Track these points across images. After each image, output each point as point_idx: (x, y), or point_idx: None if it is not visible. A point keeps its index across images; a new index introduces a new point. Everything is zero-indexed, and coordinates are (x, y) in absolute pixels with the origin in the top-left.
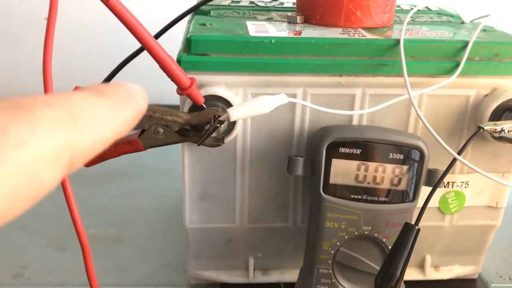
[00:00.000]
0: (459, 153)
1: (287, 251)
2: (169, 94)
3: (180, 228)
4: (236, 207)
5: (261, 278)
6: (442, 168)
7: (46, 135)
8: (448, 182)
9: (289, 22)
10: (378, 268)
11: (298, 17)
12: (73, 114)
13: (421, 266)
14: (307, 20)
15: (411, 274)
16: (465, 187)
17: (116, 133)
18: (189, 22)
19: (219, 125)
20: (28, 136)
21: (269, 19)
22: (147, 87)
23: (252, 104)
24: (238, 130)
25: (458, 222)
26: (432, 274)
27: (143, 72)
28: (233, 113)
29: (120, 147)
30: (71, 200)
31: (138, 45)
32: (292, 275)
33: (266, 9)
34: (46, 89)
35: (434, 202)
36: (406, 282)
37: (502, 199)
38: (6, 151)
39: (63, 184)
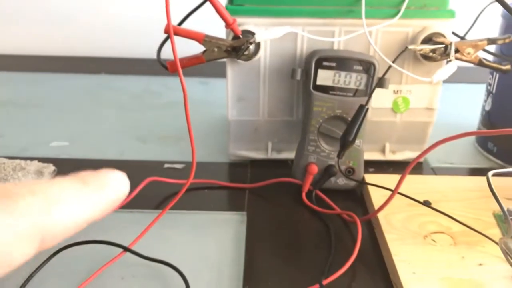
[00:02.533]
0: (393, 62)
1: (293, 137)
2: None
3: (222, 128)
4: (260, 106)
5: (276, 156)
6: (392, 79)
7: (22, 220)
8: (397, 90)
9: None
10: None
11: None
12: (50, 202)
13: (383, 151)
14: None
15: (376, 156)
16: (409, 93)
17: (90, 218)
18: None
19: (249, 45)
20: (6, 221)
21: None
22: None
23: (269, 31)
24: (261, 53)
25: (406, 119)
26: (390, 156)
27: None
28: (258, 37)
29: (191, 60)
30: None
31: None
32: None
33: None
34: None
35: (388, 104)
36: (373, 162)
37: (435, 103)
38: None
39: None
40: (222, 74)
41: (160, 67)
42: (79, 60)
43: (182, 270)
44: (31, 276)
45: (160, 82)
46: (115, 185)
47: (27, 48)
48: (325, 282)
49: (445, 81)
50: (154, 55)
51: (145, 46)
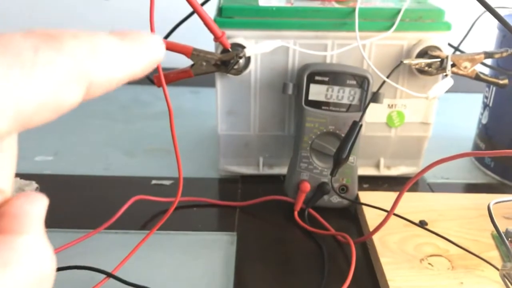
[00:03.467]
0: (387, 77)
1: (284, 152)
2: None
3: (212, 141)
4: (251, 120)
5: (267, 171)
6: (386, 93)
7: (70, 60)
8: (392, 104)
9: None
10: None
11: None
12: (95, 49)
13: (377, 166)
14: None
15: (370, 171)
16: (404, 108)
17: (130, 75)
18: None
19: (239, 59)
20: (55, 57)
21: None
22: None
23: (259, 45)
24: (252, 67)
25: (401, 133)
26: (385, 171)
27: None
28: (248, 51)
29: (178, 75)
30: None
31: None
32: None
33: None
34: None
35: (382, 118)
36: (367, 177)
37: (430, 117)
38: (35, 67)
39: None
40: (213, 83)
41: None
42: None
43: None
44: None
45: (149, 91)
46: (153, 45)
47: None
48: None
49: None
50: None
51: None
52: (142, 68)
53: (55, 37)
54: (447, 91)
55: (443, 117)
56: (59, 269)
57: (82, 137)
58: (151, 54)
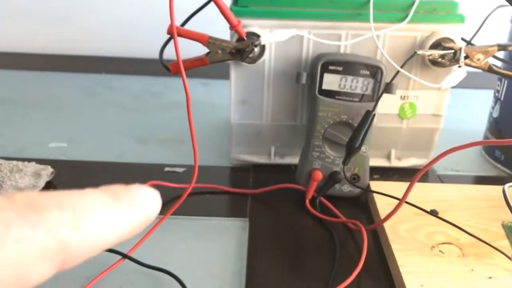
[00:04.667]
0: (401, 67)
1: (296, 142)
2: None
3: (223, 131)
4: (263, 109)
5: (279, 161)
6: (399, 85)
7: (47, 235)
8: (404, 96)
9: None
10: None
11: None
12: (79, 217)
13: (388, 157)
14: None
15: (381, 162)
16: (416, 99)
17: (119, 238)
18: None
19: (254, 47)
20: (28, 234)
21: None
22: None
23: (274, 34)
24: (266, 56)
25: (412, 125)
26: (396, 163)
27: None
28: (263, 39)
29: (194, 62)
30: None
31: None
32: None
33: None
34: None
35: (394, 110)
36: (378, 168)
37: (442, 109)
38: (3, 245)
39: None
40: (224, 75)
41: (161, 67)
42: (80, 59)
43: (182, 278)
44: None
45: (161, 82)
46: (148, 204)
47: (26, 46)
48: None
49: (452, 87)
50: (155, 56)
51: (146, 47)
52: (133, 230)
53: (36, 207)
54: (458, 87)
55: (454, 112)
56: None
57: (94, 125)
58: (145, 214)
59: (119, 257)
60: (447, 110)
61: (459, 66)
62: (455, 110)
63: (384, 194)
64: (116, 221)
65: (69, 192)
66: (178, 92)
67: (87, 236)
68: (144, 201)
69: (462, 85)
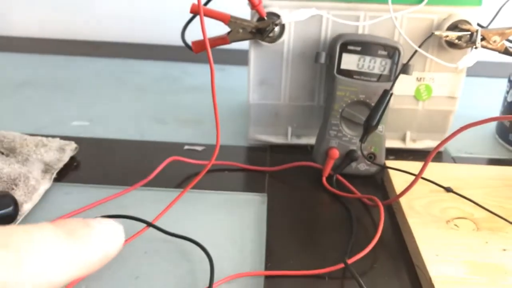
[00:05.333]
0: (419, 47)
1: (313, 123)
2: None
3: (239, 114)
4: (281, 90)
5: (295, 141)
6: (415, 66)
7: None
8: (420, 78)
9: None
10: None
11: None
12: (22, 257)
13: (403, 139)
14: None
15: (396, 144)
16: (432, 81)
17: (72, 275)
18: None
19: (275, 26)
20: None
21: None
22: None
23: (294, 13)
24: (285, 36)
25: (427, 107)
26: (410, 144)
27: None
28: (284, 18)
29: (215, 41)
30: None
31: None
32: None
33: None
34: None
35: (410, 91)
36: (393, 150)
37: (457, 91)
38: None
39: None
40: (238, 61)
41: (178, 53)
42: (99, 44)
43: (205, 246)
44: None
45: (179, 67)
46: (106, 240)
47: (51, 32)
48: (349, 261)
49: (466, 75)
50: (172, 42)
51: (163, 33)
52: (85, 268)
53: None
54: (472, 75)
55: (468, 99)
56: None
57: (115, 106)
58: (102, 251)
59: (144, 225)
60: (461, 98)
61: (476, 48)
62: (469, 97)
63: (401, 170)
64: (68, 258)
65: (17, 229)
66: (195, 76)
67: (30, 275)
68: (103, 237)
69: (476, 73)
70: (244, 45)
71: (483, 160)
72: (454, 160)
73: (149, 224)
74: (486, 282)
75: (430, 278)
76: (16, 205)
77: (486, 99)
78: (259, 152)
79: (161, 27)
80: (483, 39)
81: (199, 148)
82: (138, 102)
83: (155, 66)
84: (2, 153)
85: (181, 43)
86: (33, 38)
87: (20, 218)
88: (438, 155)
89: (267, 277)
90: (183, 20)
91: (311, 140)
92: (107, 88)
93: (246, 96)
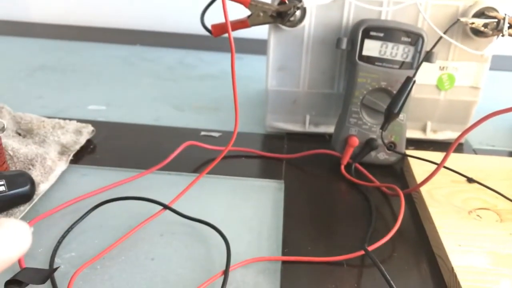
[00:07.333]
0: (444, 33)
1: (331, 111)
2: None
3: (256, 103)
4: (300, 77)
5: (313, 129)
6: (439, 55)
7: None
8: (443, 67)
9: None
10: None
11: None
12: None
13: (424, 130)
14: None
15: (417, 134)
16: (455, 70)
17: None
18: None
19: (296, 10)
20: None
21: None
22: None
23: None
24: (306, 21)
25: (449, 97)
26: (431, 135)
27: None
28: (306, 2)
29: (236, 25)
30: None
31: None
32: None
33: None
34: None
35: (433, 81)
36: (413, 140)
37: (480, 82)
38: None
39: None
40: (256, 50)
41: (194, 40)
42: (116, 31)
43: (221, 231)
44: (71, 228)
45: (194, 55)
46: (7, 243)
47: (70, 18)
48: (369, 248)
49: (489, 68)
50: (188, 30)
51: (180, 21)
52: None
53: None
54: (495, 69)
55: (490, 92)
56: (118, 199)
57: (131, 92)
58: (10, 251)
59: (160, 207)
60: (484, 92)
61: (502, 35)
62: (492, 90)
63: (422, 159)
64: None
65: None
66: (210, 64)
67: None
68: (10, 233)
69: (499, 68)
70: (261, 34)
71: (505, 152)
72: (475, 152)
73: (166, 207)
74: (509, 273)
75: (452, 268)
76: (32, 184)
77: (509, 92)
78: (276, 140)
79: (175, 15)
80: (510, 26)
81: (215, 134)
82: (155, 88)
83: (170, 53)
84: (19, 134)
85: (197, 31)
86: (52, 24)
87: (36, 198)
88: (459, 147)
89: (284, 263)
90: (198, 8)
91: (329, 129)
92: (124, 74)
93: (264, 85)
